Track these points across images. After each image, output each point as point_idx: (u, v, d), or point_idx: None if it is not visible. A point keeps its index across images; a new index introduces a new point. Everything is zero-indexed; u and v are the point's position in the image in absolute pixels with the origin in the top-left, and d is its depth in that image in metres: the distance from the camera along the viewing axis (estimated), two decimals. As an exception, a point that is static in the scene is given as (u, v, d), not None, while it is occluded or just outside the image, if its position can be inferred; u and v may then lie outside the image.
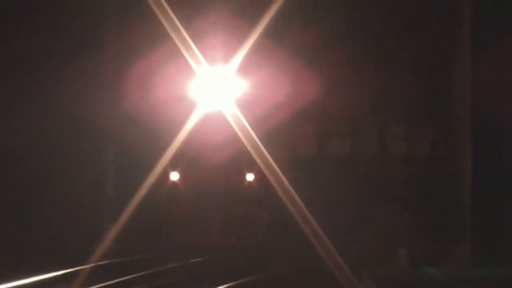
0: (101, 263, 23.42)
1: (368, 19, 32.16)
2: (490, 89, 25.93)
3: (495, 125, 26.28)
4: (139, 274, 22.19)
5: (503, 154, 26.57)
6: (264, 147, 26.45)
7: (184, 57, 28.11)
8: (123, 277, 21.21)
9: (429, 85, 31.11)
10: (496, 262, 21.61)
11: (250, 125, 26.81)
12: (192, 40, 27.87)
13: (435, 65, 30.15)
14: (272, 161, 26.25)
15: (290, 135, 29.96)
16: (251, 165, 26.79)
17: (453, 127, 25.58)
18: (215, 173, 27.55)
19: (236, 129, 26.56)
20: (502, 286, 16.63)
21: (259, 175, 26.85)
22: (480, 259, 21.97)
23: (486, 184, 25.81)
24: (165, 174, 27.72)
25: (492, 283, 16.82)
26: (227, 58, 28.72)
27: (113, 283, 20.72)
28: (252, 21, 27.07)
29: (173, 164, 27.61)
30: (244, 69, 28.68)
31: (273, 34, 28.60)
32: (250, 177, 27.42)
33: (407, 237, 24.48)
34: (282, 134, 29.44)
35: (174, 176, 27.86)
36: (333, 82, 31.32)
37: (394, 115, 32.57)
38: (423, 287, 16.71)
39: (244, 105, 27.47)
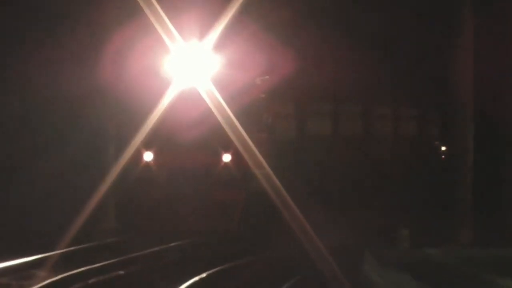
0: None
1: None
2: (492, 69, 25.54)
3: (497, 105, 25.85)
4: (111, 261, 21.12)
5: (505, 135, 26.20)
6: (241, 127, 25.54)
7: (158, 33, 27.35)
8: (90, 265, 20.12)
9: (430, 65, 30.63)
10: (498, 242, 21.23)
11: (226, 103, 25.90)
12: (167, 15, 27.15)
13: (434, 46, 29.65)
14: (249, 141, 25.33)
15: (268, 114, 28.99)
16: (228, 145, 25.80)
17: (455, 108, 25.03)
18: (190, 153, 26.45)
19: (212, 107, 25.60)
20: (503, 266, 16.13)
21: (236, 155, 25.85)
22: (482, 240, 21.64)
23: (488, 164, 25.42)
24: (138, 155, 26.62)
25: (494, 263, 16.60)
26: (202, 33, 27.87)
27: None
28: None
29: (147, 144, 26.50)
30: (220, 45, 27.76)
31: (251, 10, 27.77)
32: (226, 157, 26.37)
33: (408, 218, 23.93)
34: (259, 113, 28.44)
35: (148, 156, 26.74)
36: (315, 60, 30.80)
37: (397, 97, 32.23)
38: (425, 267, 16.55)
39: (220, 82, 26.54)
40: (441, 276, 15.88)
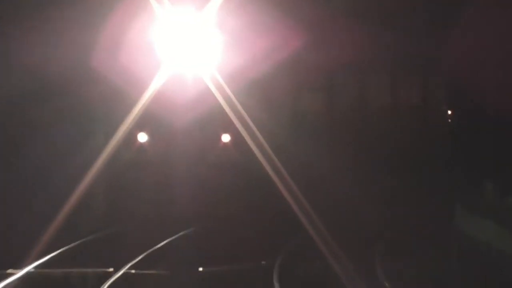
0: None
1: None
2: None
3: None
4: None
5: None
6: (240, 105, 24.32)
7: (153, 8, 26.34)
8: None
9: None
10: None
11: (225, 81, 24.72)
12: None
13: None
14: (249, 121, 24.06)
15: (266, 89, 27.87)
16: (227, 125, 24.46)
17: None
18: (187, 133, 25.15)
19: (210, 85, 24.31)
20: None
21: (236, 136, 24.56)
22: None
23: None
24: (132, 136, 25.32)
25: None
26: (199, 7, 26.81)
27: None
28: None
29: (141, 125, 25.18)
30: (218, 20, 26.76)
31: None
32: (225, 138, 25.09)
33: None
34: (258, 88, 27.34)
35: (142, 137, 25.41)
36: (313, 36, 29.97)
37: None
38: (505, 214, 19.55)
39: (219, 60, 25.43)
40: None
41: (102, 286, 16.39)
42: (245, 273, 18.36)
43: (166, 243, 21.32)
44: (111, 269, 18.04)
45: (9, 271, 17.56)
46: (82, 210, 21.81)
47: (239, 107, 23.97)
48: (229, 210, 24.29)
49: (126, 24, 28.51)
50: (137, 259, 19.01)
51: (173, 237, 21.90)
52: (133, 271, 18.28)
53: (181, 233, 22.52)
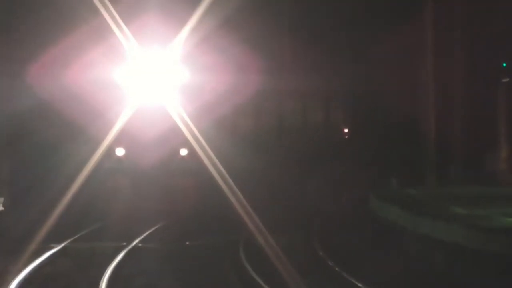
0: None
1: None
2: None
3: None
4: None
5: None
6: (194, 126, 31.70)
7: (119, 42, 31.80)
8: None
9: None
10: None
11: (187, 113, 32.07)
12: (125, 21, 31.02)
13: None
14: (201, 138, 31.46)
15: (214, 113, 35.79)
16: (184, 142, 32.04)
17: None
18: (154, 148, 32.57)
19: (173, 115, 31.72)
20: (453, 199, 27.09)
21: (191, 150, 32.21)
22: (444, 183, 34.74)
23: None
24: (111, 151, 32.52)
25: (447, 197, 27.96)
26: (164, 42, 33.18)
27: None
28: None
29: (118, 142, 32.45)
30: (184, 56, 33.75)
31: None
32: (183, 151, 32.64)
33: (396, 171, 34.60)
34: (208, 112, 35.07)
35: (120, 151, 32.79)
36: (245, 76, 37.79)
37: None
38: (407, 200, 27.28)
39: (184, 91, 32.85)
40: (417, 206, 25.29)
41: (119, 253, 22.82)
42: (219, 244, 23.93)
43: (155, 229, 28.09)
44: (124, 243, 24.83)
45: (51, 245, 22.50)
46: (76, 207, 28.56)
47: (193, 127, 31.49)
48: (187, 205, 31.52)
49: (99, 61, 34.22)
50: (141, 236, 24.59)
51: (157, 225, 28.30)
52: (140, 244, 24.90)
53: (161, 223, 29.33)
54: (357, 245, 23.41)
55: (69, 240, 23.34)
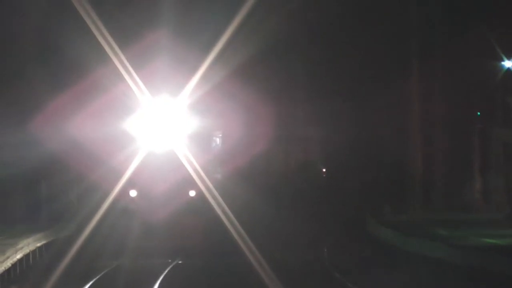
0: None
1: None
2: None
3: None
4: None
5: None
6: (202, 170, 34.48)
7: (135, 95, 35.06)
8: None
9: None
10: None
11: (193, 153, 34.88)
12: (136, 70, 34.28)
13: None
14: (208, 180, 34.22)
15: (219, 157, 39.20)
16: (193, 184, 34.79)
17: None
18: (165, 191, 35.23)
19: (182, 159, 34.56)
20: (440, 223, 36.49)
21: (199, 192, 34.97)
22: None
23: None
24: (124, 192, 35.19)
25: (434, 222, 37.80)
26: (173, 92, 36.48)
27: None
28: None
29: (131, 184, 35.14)
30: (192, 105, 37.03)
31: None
32: (192, 193, 35.32)
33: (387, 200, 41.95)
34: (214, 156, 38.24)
35: (133, 193, 35.40)
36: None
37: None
38: (400, 224, 35.67)
39: (192, 138, 35.81)
40: (409, 228, 32.61)
41: (167, 269, 27.00)
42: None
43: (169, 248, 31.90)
44: (169, 260, 28.42)
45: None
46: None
47: (201, 171, 34.28)
48: (194, 241, 34.18)
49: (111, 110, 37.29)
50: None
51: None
52: (180, 261, 28.87)
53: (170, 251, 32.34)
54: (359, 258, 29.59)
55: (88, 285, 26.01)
